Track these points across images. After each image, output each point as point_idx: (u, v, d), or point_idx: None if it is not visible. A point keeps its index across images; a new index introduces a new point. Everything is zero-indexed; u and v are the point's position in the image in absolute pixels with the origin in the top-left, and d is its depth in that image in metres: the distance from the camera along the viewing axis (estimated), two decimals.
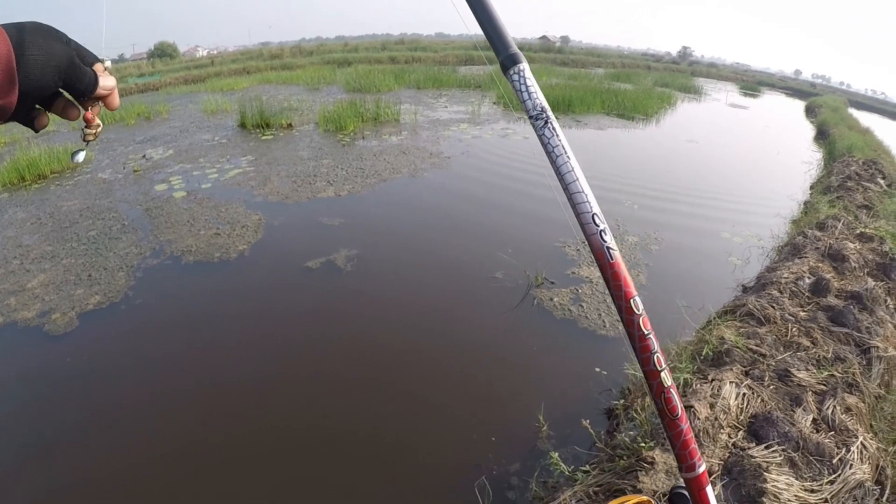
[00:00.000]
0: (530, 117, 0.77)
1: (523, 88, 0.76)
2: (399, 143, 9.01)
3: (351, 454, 2.74)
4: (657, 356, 0.70)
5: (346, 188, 6.59)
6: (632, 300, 0.72)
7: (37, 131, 0.59)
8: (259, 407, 3.03)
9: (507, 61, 0.76)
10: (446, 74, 18.16)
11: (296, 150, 8.33)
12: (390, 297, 4.22)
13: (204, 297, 4.09)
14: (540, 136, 0.76)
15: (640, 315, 0.71)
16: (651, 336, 0.70)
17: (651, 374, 0.70)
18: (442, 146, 8.99)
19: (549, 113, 0.75)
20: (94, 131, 0.62)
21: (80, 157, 0.65)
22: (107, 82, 0.59)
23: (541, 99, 0.76)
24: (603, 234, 0.73)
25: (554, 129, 0.74)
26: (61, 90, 0.55)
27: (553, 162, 0.75)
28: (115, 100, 0.62)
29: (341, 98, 12.61)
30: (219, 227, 5.28)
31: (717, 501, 2.24)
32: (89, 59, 0.58)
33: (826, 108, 22.10)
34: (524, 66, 0.76)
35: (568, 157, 0.74)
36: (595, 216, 0.73)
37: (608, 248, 0.73)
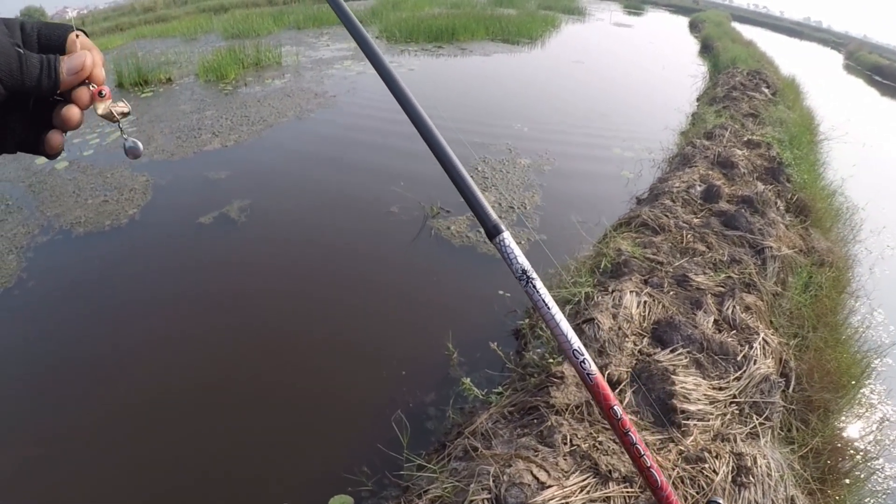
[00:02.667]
0: (516, 278, 1.09)
1: (507, 254, 1.09)
2: (283, 87, 10.28)
3: (267, 404, 3.17)
4: (636, 447, 1.20)
5: (232, 138, 7.48)
6: (611, 409, 1.14)
7: (51, 157, 0.55)
8: (169, 368, 3.46)
9: (493, 231, 1.09)
10: (326, 12, 19.64)
11: (177, 104, 9.29)
12: (287, 242, 4.89)
13: (100, 268, 4.58)
14: (525, 292, 1.08)
15: (619, 419, 1.15)
16: (630, 433, 1.17)
17: (637, 461, 1.21)
18: (326, 85, 10.29)
19: (532, 273, 1.07)
20: (109, 106, 0.60)
21: (131, 143, 0.67)
22: (74, 62, 0.54)
23: (522, 262, 1.08)
24: (583, 363, 1.10)
25: (536, 286, 1.08)
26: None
27: (540, 312, 1.08)
28: (101, 73, 0.58)
29: (220, 46, 13.67)
30: (106, 193, 5.90)
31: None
32: (58, 32, 0.54)
33: (709, 23, 25.22)
34: (506, 235, 1.09)
35: (554, 310, 1.08)
36: (576, 350, 1.09)
37: (588, 373, 1.10)
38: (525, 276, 1.04)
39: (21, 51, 0.51)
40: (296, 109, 8.71)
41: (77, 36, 0.55)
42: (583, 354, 1.07)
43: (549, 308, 1.05)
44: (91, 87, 0.57)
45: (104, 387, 3.34)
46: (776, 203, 4.94)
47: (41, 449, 2.91)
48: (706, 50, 17.35)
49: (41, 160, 7.03)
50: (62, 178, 6.43)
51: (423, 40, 14.69)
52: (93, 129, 8.23)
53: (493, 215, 1.01)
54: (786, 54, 20.48)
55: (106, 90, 0.58)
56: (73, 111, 0.54)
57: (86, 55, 0.54)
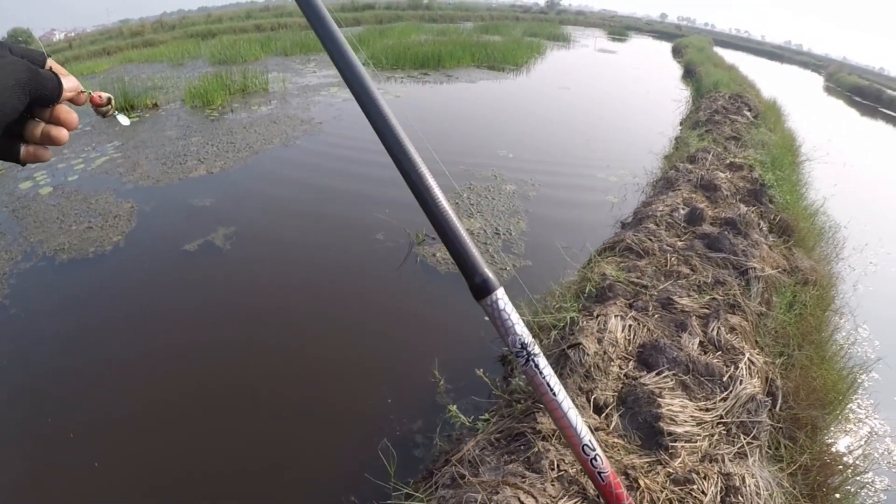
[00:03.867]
0: (511, 352, 0.84)
1: (499, 321, 0.81)
2: (269, 113, 10.48)
3: (253, 431, 3.19)
4: None
5: (217, 164, 7.57)
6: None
7: (23, 164, 0.60)
8: (149, 403, 3.43)
9: (482, 288, 0.79)
10: (313, 39, 20.39)
11: (163, 130, 9.40)
12: (273, 270, 4.95)
13: (83, 295, 4.60)
14: (524, 372, 0.86)
15: None
16: None
17: None
18: (313, 112, 10.54)
19: (533, 347, 0.84)
20: (108, 105, 0.71)
21: (122, 118, 0.80)
22: (70, 82, 0.62)
23: (521, 332, 0.81)
24: (594, 460, 1.01)
25: (538, 365, 0.84)
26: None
27: (542, 398, 0.90)
28: (82, 97, 0.66)
29: (207, 71, 13.95)
30: (90, 220, 5.94)
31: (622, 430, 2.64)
32: (38, 59, 0.60)
33: (692, 48, 25.86)
34: (500, 293, 0.80)
35: (561, 396, 0.92)
36: (586, 446, 0.99)
37: (600, 472, 1.04)
38: (524, 352, 0.80)
39: (35, 68, 0.59)
40: (282, 136, 8.86)
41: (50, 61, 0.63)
42: (594, 450, 0.90)
43: (554, 394, 0.84)
44: (91, 93, 0.67)
45: (79, 416, 3.33)
46: (759, 224, 5.04)
47: None
48: (689, 74, 17.82)
49: (25, 184, 7.05)
50: (46, 203, 6.44)
51: (410, 67, 15.03)
52: (77, 153, 8.28)
53: (483, 267, 0.77)
54: (767, 77, 20.99)
55: (107, 95, 0.69)
56: (71, 116, 0.62)
57: (74, 80, 0.64)
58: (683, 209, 5.01)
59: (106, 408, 3.36)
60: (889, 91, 25.03)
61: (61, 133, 0.61)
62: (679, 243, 4.41)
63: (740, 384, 3.11)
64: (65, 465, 3.02)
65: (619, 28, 49.00)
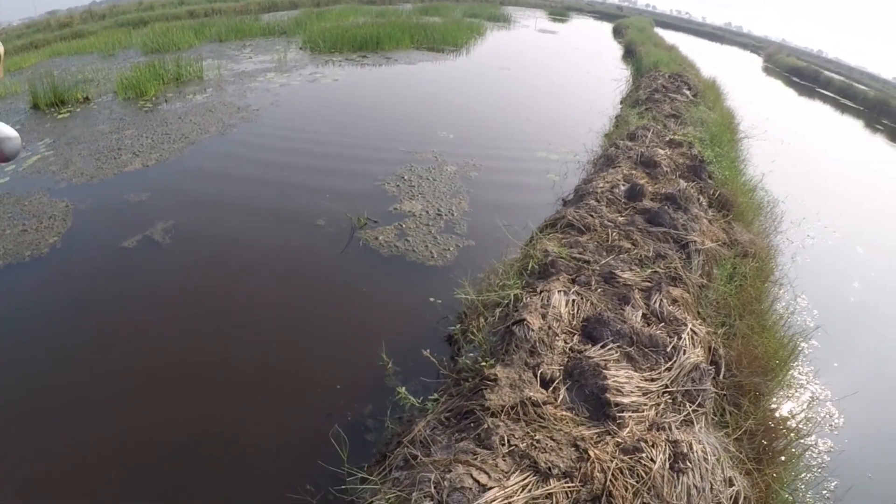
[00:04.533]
0: None
1: None
2: (204, 101, 10.52)
3: (198, 432, 3.18)
4: None
5: (153, 157, 7.60)
6: None
7: None
8: (90, 403, 3.43)
9: None
10: (249, 24, 20.68)
11: (95, 124, 9.36)
12: (215, 262, 4.99)
13: (21, 300, 4.57)
14: None
15: None
16: None
17: None
18: (249, 99, 10.61)
19: None
20: None
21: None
22: None
23: None
24: None
25: None
26: None
27: None
28: None
29: (139, 61, 13.81)
30: (24, 222, 5.93)
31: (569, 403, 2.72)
32: None
33: (633, 29, 26.53)
34: None
35: None
36: None
37: None
38: None
39: None
40: (218, 125, 8.89)
41: None
42: None
43: None
44: None
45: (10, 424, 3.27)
46: (699, 199, 5.26)
47: None
48: (629, 54, 18.34)
49: None
50: None
51: (348, 50, 15.06)
52: None
53: None
54: (707, 58, 21.73)
55: None
56: None
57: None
58: (624, 185, 5.18)
59: (34, 426, 3.31)
60: (826, 72, 26.43)
61: None
62: (620, 219, 4.56)
63: (684, 354, 3.25)
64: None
65: (560, 9, 49.84)
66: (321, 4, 30.05)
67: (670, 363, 3.17)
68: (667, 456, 2.52)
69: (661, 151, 6.23)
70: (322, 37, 15.62)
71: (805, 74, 26.19)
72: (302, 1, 30.48)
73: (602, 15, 51.90)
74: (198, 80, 12.25)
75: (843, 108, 19.37)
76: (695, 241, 4.42)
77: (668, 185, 5.36)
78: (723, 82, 13.25)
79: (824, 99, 21.01)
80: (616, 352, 3.11)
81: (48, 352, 3.94)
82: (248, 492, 2.84)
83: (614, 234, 4.25)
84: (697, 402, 2.98)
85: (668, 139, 6.84)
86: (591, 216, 4.46)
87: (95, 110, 10.21)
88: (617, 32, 28.61)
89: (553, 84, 13.42)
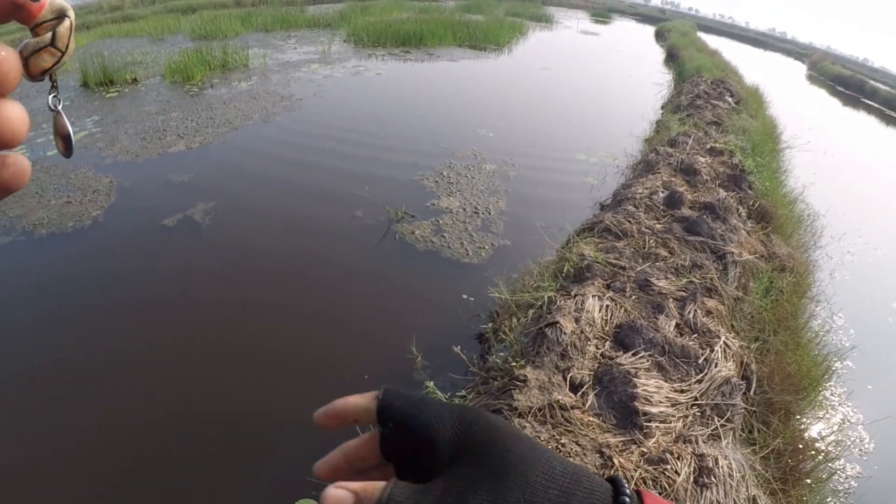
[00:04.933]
0: None
1: None
2: (248, 89, 10.59)
3: (231, 410, 3.23)
4: None
5: (197, 140, 7.67)
6: None
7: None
8: (127, 377, 3.48)
9: None
10: (294, 15, 20.70)
11: (142, 104, 9.43)
12: (252, 246, 5.05)
13: (61, 270, 4.65)
14: None
15: None
16: None
17: None
18: (293, 88, 10.63)
19: None
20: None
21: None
22: None
23: None
24: None
25: None
26: None
27: None
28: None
29: (187, 47, 13.84)
30: (69, 194, 5.98)
31: (597, 409, 2.68)
32: None
33: (675, 33, 26.01)
34: None
35: None
36: None
37: None
38: None
39: None
40: (262, 112, 8.94)
41: None
42: None
43: None
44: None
45: (56, 394, 3.33)
46: (738, 209, 5.12)
47: None
48: (672, 59, 17.93)
49: None
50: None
51: (391, 44, 14.93)
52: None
53: None
54: (750, 64, 21.25)
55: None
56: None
57: None
58: (663, 192, 5.07)
59: (78, 395, 3.35)
60: (871, 82, 25.58)
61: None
62: (658, 226, 4.46)
63: (715, 367, 3.17)
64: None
65: (603, 10, 49.23)
66: None
67: (701, 375, 3.09)
68: (692, 469, 2.46)
69: (702, 159, 6.09)
70: (366, 30, 15.53)
71: (850, 84, 25.40)
72: None
73: (644, 17, 51.11)
74: (243, 68, 12.37)
75: (889, 120, 18.70)
76: (732, 253, 4.31)
77: (708, 193, 5.24)
78: (765, 90, 12.89)
79: (869, 110, 20.34)
80: (647, 360, 3.04)
81: (86, 322, 4.00)
82: (267, 470, 2.88)
83: (651, 241, 4.17)
84: (726, 417, 2.90)
85: (708, 147, 6.68)
86: (629, 222, 4.37)
87: (143, 92, 10.35)
88: (659, 36, 28.04)
89: (594, 86, 13.16)
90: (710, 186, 5.49)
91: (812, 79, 27.49)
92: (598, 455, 2.45)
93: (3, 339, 3.82)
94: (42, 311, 4.11)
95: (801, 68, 31.53)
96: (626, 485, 0.40)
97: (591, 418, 2.66)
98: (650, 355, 3.08)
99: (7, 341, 3.80)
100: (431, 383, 3.14)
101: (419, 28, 16.42)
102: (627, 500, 0.39)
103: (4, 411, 3.22)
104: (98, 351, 3.69)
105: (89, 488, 2.86)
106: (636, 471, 2.37)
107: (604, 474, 2.40)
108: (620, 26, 36.25)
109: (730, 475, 2.52)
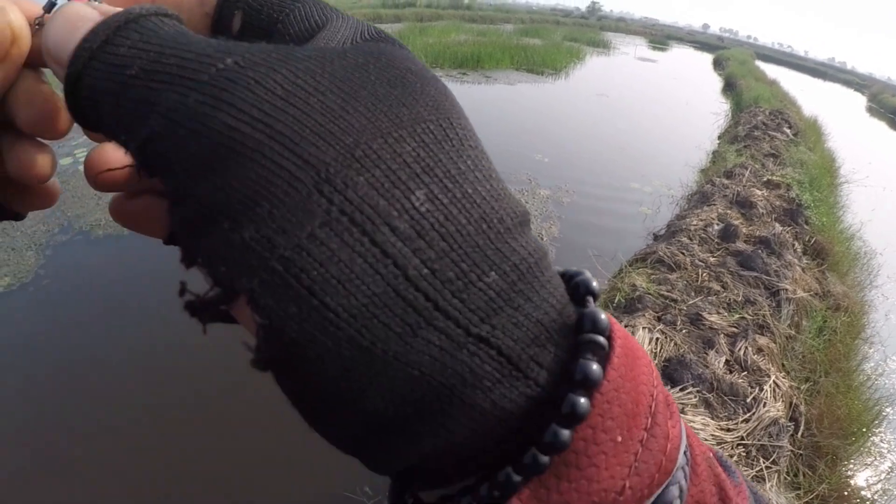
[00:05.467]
0: None
1: None
2: None
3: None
4: None
5: None
6: None
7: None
8: (183, 375, 3.47)
9: None
10: None
11: None
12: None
13: (116, 271, 4.64)
14: None
15: None
16: None
17: None
18: None
19: None
20: None
21: None
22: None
23: None
24: None
25: None
26: None
27: None
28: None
29: None
30: None
31: None
32: None
33: (733, 61, 25.30)
34: None
35: None
36: None
37: None
38: None
39: None
40: None
41: None
42: None
43: None
44: None
45: (110, 389, 3.33)
46: (793, 245, 4.94)
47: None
48: (729, 88, 17.39)
49: (67, 160, 6.74)
50: (84, 180, 6.27)
51: (449, 66, 14.68)
52: None
53: None
54: (809, 94, 20.50)
55: None
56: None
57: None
58: (718, 225, 4.93)
59: (131, 393, 3.30)
60: None
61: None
62: (711, 259, 4.34)
63: (763, 407, 3.05)
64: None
65: (660, 37, 48.52)
66: (424, 19, 29.54)
67: (748, 415, 2.98)
68: None
69: (758, 192, 5.89)
70: (424, 51, 15.22)
71: None
72: (405, 15, 30.24)
73: (702, 45, 50.06)
74: None
75: None
76: (786, 290, 4.15)
77: (763, 227, 5.06)
78: (824, 121, 12.39)
79: None
80: (695, 396, 2.95)
81: (135, 322, 3.92)
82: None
83: (704, 274, 4.05)
84: (772, 459, 2.79)
85: (765, 179, 6.46)
86: (683, 254, 4.27)
87: None
88: (717, 64, 27.30)
89: (650, 114, 12.76)
90: (766, 220, 5.31)
91: (872, 111, 26.37)
92: None
93: (51, 329, 3.80)
94: (91, 307, 4.08)
95: (860, 100, 30.21)
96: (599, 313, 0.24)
97: None
98: (698, 391, 2.98)
99: (51, 333, 3.77)
100: None
101: (477, 50, 16.14)
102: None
103: None
104: (148, 344, 3.61)
105: None
106: None
107: None
108: (678, 54, 35.62)
109: None
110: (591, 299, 0.25)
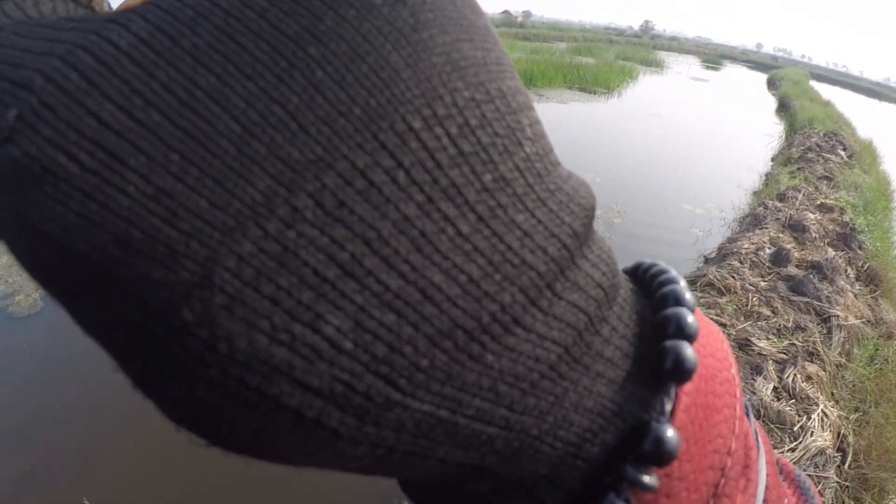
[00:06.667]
0: None
1: None
2: None
3: None
4: None
5: None
6: None
7: None
8: None
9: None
10: None
11: None
12: None
13: None
14: None
15: None
16: None
17: None
18: None
19: None
20: None
21: None
22: None
23: None
24: None
25: None
26: None
27: None
28: None
29: None
30: None
31: None
32: None
33: (787, 81, 23.96)
34: None
35: None
36: None
37: None
38: None
39: None
40: None
41: None
42: None
43: None
44: None
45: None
46: (846, 270, 4.60)
47: None
48: (783, 108, 16.39)
49: None
50: None
51: None
52: None
53: None
54: (864, 116, 19.16)
55: None
56: None
57: None
58: (769, 248, 4.64)
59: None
60: None
61: None
62: (762, 283, 4.08)
63: (811, 436, 2.84)
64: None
65: (714, 56, 46.49)
66: None
67: (795, 444, 2.77)
68: None
69: (811, 216, 5.52)
70: None
71: None
72: None
73: (756, 65, 47.72)
74: None
75: None
76: (837, 316, 3.86)
77: (816, 252, 4.73)
78: (880, 144, 11.53)
79: None
80: None
81: None
82: None
83: (754, 299, 3.81)
84: (817, 490, 2.57)
85: (818, 203, 6.05)
86: (733, 278, 4.03)
87: None
88: (771, 84, 25.88)
89: (703, 134, 12.03)
90: (819, 244, 4.96)
91: None
92: None
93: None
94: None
95: None
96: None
97: None
98: None
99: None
100: None
101: (530, 68, 15.30)
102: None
103: None
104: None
105: None
106: None
107: None
108: (731, 72, 34.06)
109: None
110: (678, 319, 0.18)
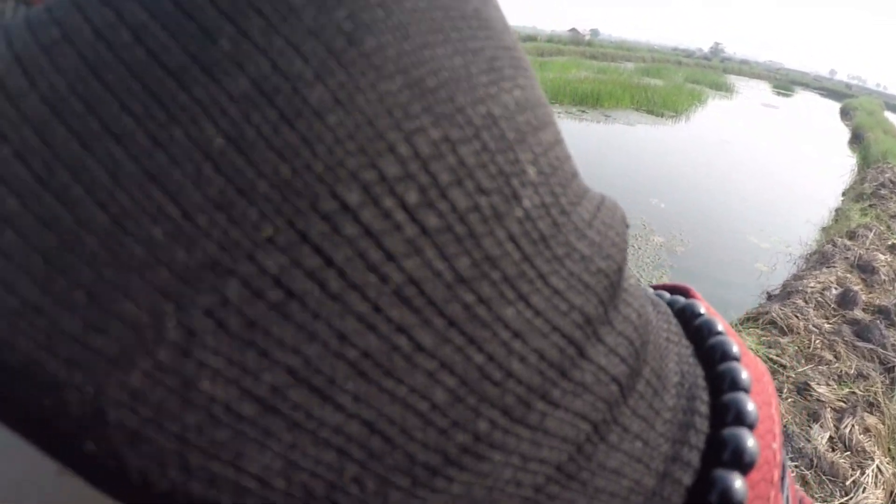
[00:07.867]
0: None
1: None
2: None
3: None
4: None
5: None
6: None
7: None
8: None
9: None
10: None
11: None
12: None
13: None
14: None
15: None
16: None
17: None
18: None
19: None
20: None
21: None
22: None
23: None
24: None
25: None
26: None
27: None
28: None
29: None
30: None
31: None
32: None
33: (861, 111, 21.90)
34: None
35: None
36: None
37: None
38: None
39: None
40: None
41: None
42: None
43: None
44: None
45: None
46: None
47: None
48: (856, 140, 14.95)
49: None
50: None
51: (568, 103, 13.03)
52: None
53: None
54: None
55: None
56: None
57: None
58: (836, 289, 4.25)
59: None
60: None
61: None
62: (826, 325, 3.75)
63: (863, 492, 2.57)
64: None
65: (785, 82, 43.12)
66: (545, 54, 27.40)
67: (846, 499, 2.52)
68: None
69: (882, 256, 5.03)
70: (544, 86, 13.48)
71: None
72: (527, 48, 28.44)
73: (829, 92, 43.98)
74: None
75: None
76: None
77: (885, 296, 4.31)
78: None
79: None
80: (793, 471, 2.54)
81: None
82: None
83: (817, 341, 3.50)
84: None
85: (890, 243, 5.50)
86: (796, 317, 3.71)
87: None
88: (844, 114, 23.66)
89: (773, 164, 10.93)
90: (888, 288, 4.51)
91: None
92: None
93: None
94: None
95: None
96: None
97: None
98: (796, 466, 2.57)
99: None
100: None
101: (597, 88, 14.24)
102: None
103: None
104: None
105: None
106: None
107: None
108: (803, 100, 31.47)
109: None
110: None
